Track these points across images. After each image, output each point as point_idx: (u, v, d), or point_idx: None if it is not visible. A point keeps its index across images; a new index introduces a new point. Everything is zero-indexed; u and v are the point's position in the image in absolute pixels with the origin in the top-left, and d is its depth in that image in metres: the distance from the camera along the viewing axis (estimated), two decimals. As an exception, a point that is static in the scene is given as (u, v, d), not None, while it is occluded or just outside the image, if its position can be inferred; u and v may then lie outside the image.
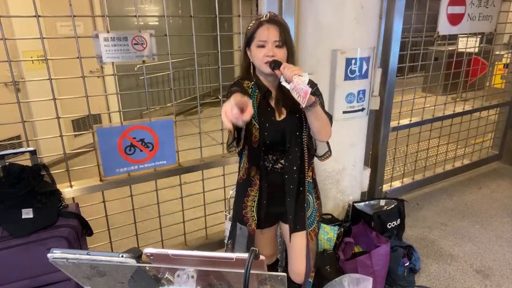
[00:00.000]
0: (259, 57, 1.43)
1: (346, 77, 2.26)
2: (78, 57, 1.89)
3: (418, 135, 3.39)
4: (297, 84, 1.26)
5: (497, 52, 4.52)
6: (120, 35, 1.89)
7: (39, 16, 1.75)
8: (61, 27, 4.05)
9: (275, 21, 1.43)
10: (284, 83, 1.33)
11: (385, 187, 3.24)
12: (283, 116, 1.51)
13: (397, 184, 3.36)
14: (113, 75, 2.02)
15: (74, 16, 1.82)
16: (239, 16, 2.28)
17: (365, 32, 2.29)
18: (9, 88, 3.56)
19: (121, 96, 2.33)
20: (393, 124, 3.00)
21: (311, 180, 1.64)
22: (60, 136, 1.97)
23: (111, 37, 1.87)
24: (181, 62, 5.07)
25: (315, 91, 1.27)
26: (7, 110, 1.87)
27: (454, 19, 3.03)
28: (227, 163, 2.46)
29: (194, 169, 2.35)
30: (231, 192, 2.18)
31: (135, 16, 2.01)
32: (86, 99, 1.97)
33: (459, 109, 3.54)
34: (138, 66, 4.90)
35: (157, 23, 5.70)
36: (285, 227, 1.65)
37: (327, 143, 1.59)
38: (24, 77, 3.66)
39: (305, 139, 1.52)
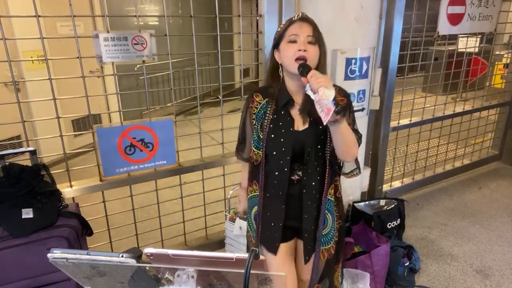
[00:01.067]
0: (290, 53, 1.31)
1: (346, 77, 2.26)
2: (78, 57, 1.89)
3: (418, 135, 3.39)
4: (322, 98, 1.14)
5: (497, 52, 4.53)
6: (120, 35, 1.89)
7: (39, 16, 1.75)
8: (61, 27, 4.05)
9: (308, 19, 1.36)
10: (309, 92, 1.22)
11: (385, 187, 3.23)
12: (306, 126, 1.38)
13: (397, 184, 3.36)
14: (113, 75, 2.02)
15: (74, 16, 1.81)
16: (239, 16, 2.28)
17: (365, 32, 2.29)
18: (9, 88, 3.56)
19: (121, 96, 2.33)
20: (393, 124, 3.00)
21: (333, 199, 1.48)
22: (60, 136, 1.97)
23: (111, 37, 1.86)
24: (181, 62, 5.07)
25: (341, 110, 1.13)
26: (7, 110, 1.87)
27: (454, 19, 3.03)
28: (227, 163, 2.46)
29: (194, 169, 2.35)
30: (231, 192, 2.18)
31: (135, 16, 2.02)
32: (86, 99, 1.97)
33: (459, 109, 3.54)
34: (138, 66, 4.89)
35: (157, 23, 5.70)
36: (300, 244, 1.52)
37: (356, 159, 1.42)
38: (24, 77, 3.66)
39: (328, 154, 1.38)
